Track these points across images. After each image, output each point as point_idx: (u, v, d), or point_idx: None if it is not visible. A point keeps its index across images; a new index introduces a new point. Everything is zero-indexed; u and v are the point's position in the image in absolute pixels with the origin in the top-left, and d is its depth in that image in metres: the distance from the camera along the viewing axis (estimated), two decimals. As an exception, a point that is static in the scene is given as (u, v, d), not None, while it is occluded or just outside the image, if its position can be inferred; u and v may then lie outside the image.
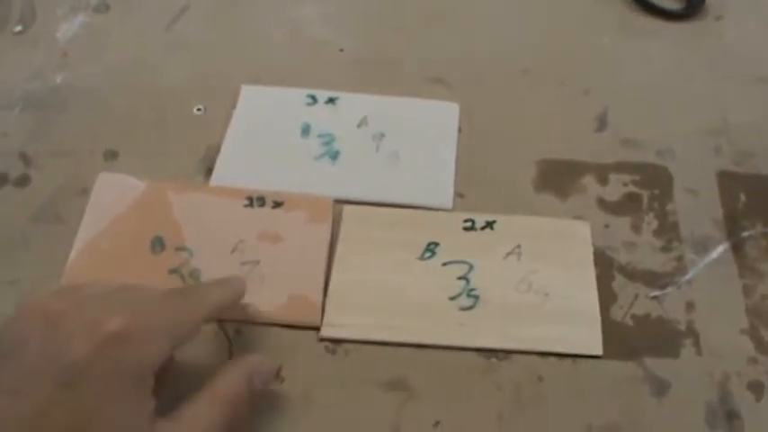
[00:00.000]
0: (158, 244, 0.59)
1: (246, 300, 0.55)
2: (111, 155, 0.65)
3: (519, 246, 0.60)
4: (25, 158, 0.65)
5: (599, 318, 0.57)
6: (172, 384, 0.47)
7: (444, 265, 0.59)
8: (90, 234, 0.59)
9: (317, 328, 0.56)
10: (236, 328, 0.56)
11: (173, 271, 0.58)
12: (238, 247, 0.59)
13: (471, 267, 0.59)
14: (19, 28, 0.76)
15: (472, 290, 0.58)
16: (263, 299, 0.57)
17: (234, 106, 0.69)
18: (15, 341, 0.42)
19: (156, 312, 0.46)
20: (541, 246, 0.60)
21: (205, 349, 0.55)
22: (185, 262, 0.58)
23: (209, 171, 0.64)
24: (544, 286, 0.58)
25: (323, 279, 0.58)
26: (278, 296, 0.57)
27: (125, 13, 0.77)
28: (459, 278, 0.58)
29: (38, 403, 0.40)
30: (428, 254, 0.59)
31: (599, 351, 0.55)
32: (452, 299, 0.57)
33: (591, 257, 0.60)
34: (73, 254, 0.58)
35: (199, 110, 0.69)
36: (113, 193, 0.62)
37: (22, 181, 0.63)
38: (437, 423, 0.52)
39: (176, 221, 0.60)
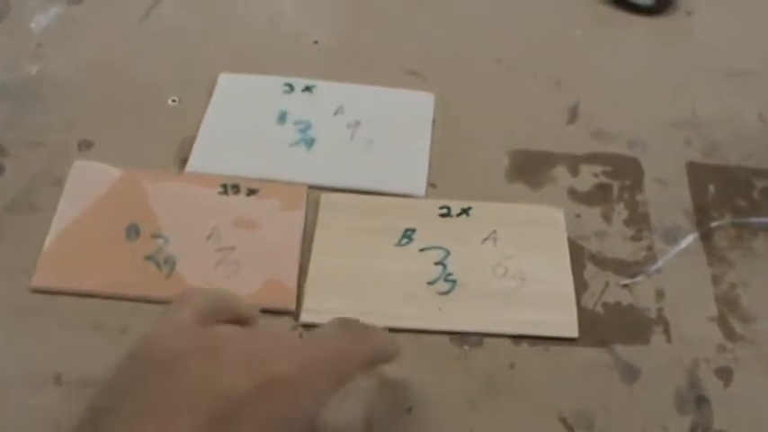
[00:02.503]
0: (133, 231, 0.59)
1: (222, 285, 0.56)
2: (85, 145, 0.65)
3: (495, 231, 0.61)
4: (0, 148, 0.65)
5: (574, 300, 0.58)
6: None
7: (421, 250, 0.60)
8: (65, 222, 0.59)
9: (292, 313, 0.56)
10: (211, 315, 0.56)
11: (148, 257, 0.58)
12: (213, 233, 0.60)
13: (448, 253, 0.59)
14: (-7, 19, 0.75)
15: (449, 275, 0.58)
16: (239, 284, 0.57)
17: (209, 96, 0.69)
18: (172, 355, 0.38)
19: (320, 355, 0.42)
20: (517, 232, 0.61)
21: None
22: (160, 249, 0.59)
23: (183, 162, 0.64)
24: (520, 271, 0.59)
25: (297, 264, 0.58)
26: (253, 281, 0.57)
27: (100, 3, 0.77)
28: (437, 263, 0.59)
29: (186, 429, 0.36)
30: (405, 240, 0.60)
31: (575, 333, 0.56)
32: (430, 284, 0.58)
33: (565, 242, 0.61)
34: (48, 241, 0.58)
35: (174, 101, 0.69)
36: (88, 181, 0.62)
37: (-3, 170, 0.64)
38: (410, 409, 0.53)
39: (151, 209, 0.61)
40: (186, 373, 0.37)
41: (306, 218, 0.61)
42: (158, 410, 0.36)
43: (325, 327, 0.45)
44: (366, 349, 0.44)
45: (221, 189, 0.62)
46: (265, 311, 0.56)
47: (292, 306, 0.57)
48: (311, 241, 0.60)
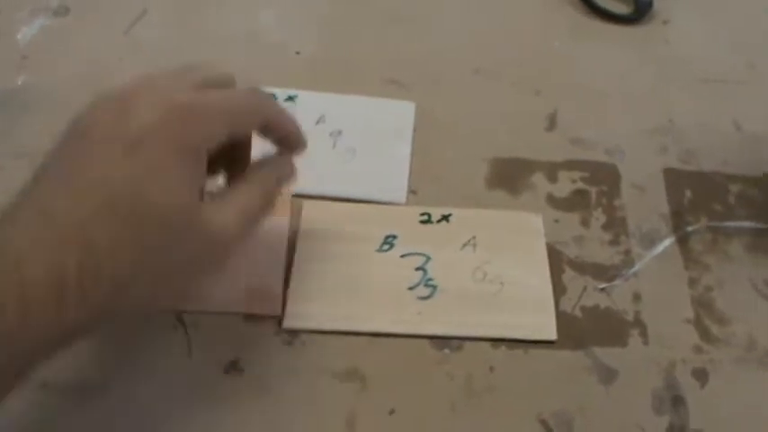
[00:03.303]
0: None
1: (209, 291, 0.57)
2: (70, 155, 0.66)
3: (474, 237, 0.62)
4: (-15, 159, 0.65)
5: (553, 304, 0.59)
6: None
7: (402, 256, 0.61)
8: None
9: (278, 318, 0.57)
10: (194, 321, 0.57)
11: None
12: (200, 241, 0.60)
13: (428, 258, 0.60)
14: (-22, 31, 0.76)
15: (430, 280, 0.59)
16: (225, 290, 0.58)
17: (193, 107, 0.69)
18: (89, 123, 0.45)
19: (222, 98, 0.48)
20: (496, 237, 0.62)
21: (164, 342, 0.56)
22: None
23: (168, 170, 0.65)
24: (499, 275, 0.60)
25: (283, 270, 0.59)
26: (239, 287, 0.58)
27: (85, 16, 0.78)
28: (417, 269, 0.60)
29: (104, 170, 0.42)
30: (386, 246, 0.61)
31: (553, 336, 0.57)
32: (411, 289, 0.59)
33: (544, 247, 0.62)
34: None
35: (158, 111, 0.69)
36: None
37: (-17, 181, 0.64)
38: (392, 411, 0.53)
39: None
40: (100, 129, 0.44)
41: (290, 225, 0.62)
42: (79, 162, 0.43)
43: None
44: (263, 111, 0.52)
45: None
46: (251, 317, 0.57)
47: (278, 311, 0.57)
48: (294, 248, 0.61)
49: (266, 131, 0.53)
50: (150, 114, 0.44)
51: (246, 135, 0.53)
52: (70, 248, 0.40)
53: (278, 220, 0.62)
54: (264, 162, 0.53)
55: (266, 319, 0.57)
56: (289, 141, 0.54)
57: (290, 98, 0.70)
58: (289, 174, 0.54)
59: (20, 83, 0.71)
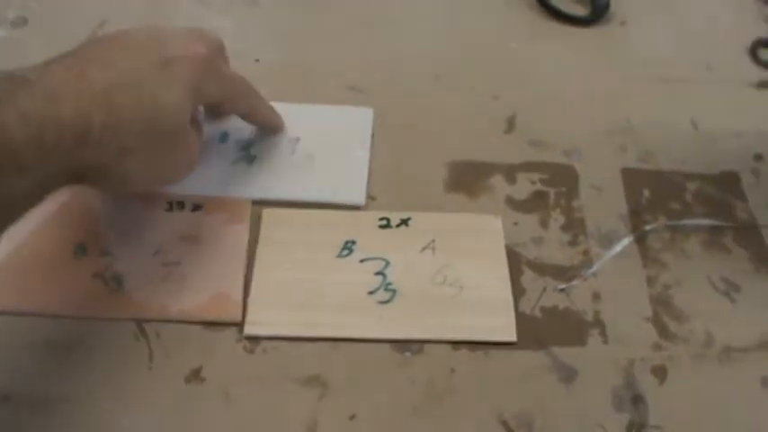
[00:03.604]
0: (81, 250, 0.60)
1: (169, 300, 0.58)
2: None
3: (433, 241, 0.62)
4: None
5: (512, 306, 0.59)
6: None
7: (362, 261, 0.61)
8: (13, 241, 0.60)
9: (239, 325, 0.57)
10: (155, 330, 0.57)
11: (96, 275, 0.59)
12: (160, 249, 0.60)
13: (388, 263, 0.61)
14: (-65, 43, 0.76)
15: (389, 284, 0.59)
16: (186, 298, 0.58)
17: (152, 116, 0.69)
18: (126, 34, 0.55)
19: (230, 73, 0.61)
20: (455, 240, 0.62)
21: (126, 352, 0.56)
22: (108, 266, 0.59)
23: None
24: (459, 278, 0.60)
25: (242, 277, 0.59)
26: (200, 295, 0.58)
27: (43, 26, 0.78)
28: (377, 273, 0.60)
29: (139, 64, 0.52)
30: (346, 251, 0.61)
31: (513, 337, 0.58)
32: (371, 293, 0.59)
33: (503, 249, 0.62)
34: (-4, 260, 0.59)
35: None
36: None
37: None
38: (353, 416, 0.54)
39: (99, 227, 0.61)
40: (136, 35, 0.55)
41: (249, 233, 0.62)
42: (118, 43, 0.54)
43: None
44: (251, 100, 0.65)
45: (167, 206, 0.63)
46: (211, 324, 0.57)
47: (238, 318, 0.57)
48: (254, 255, 0.61)
49: (247, 118, 0.66)
50: (181, 49, 0.54)
51: (223, 111, 0.65)
52: (98, 106, 0.48)
53: (236, 227, 0.62)
54: None
55: (227, 327, 0.57)
56: (267, 127, 0.68)
57: (249, 107, 0.70)
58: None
59: (-22, 95, 0.71)
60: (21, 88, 0.46)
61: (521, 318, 0.59)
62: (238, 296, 0.58)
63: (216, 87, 0.58)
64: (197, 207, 0.63)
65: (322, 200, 0.64)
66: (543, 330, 0.58)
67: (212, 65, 0.57)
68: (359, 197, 0.65)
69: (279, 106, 0.68)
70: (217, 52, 0.59)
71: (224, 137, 0.68)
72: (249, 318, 0.57)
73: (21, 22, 0.78)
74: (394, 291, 0.59)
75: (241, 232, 0.62)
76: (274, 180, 0.65)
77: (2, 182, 0.45)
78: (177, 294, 0.58)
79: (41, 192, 0.49)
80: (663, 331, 0.59)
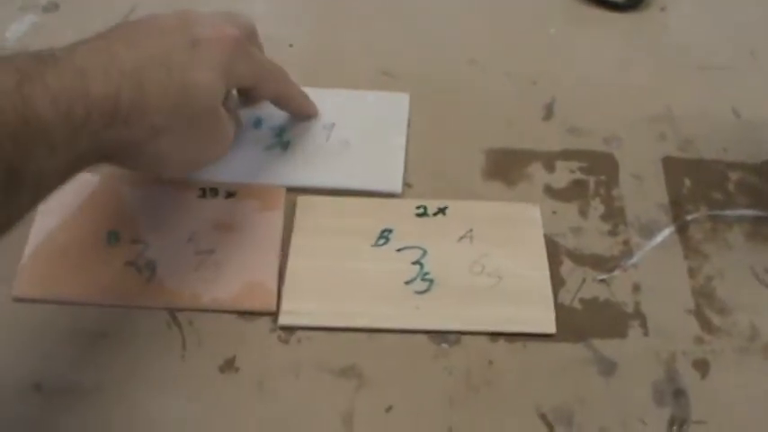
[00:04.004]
0: (113, 237, 0.59)
1: (202, 288, 0.57)
2: (62, 152, 0.65)
3: (471, 230, 0.61)
4: (-24, 158, 0.64)
5: (551, 297, 0.58)
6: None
7: (398, 250, 0.60)
8: (45, 230, 0.59)
9: (273, 314, 0.56)
10: (188, 319, 0.56)
11: (128, 263, 0.58)
12: (193, 237, 0.60)
13: (425, 252, 0.60)
14: (-33, 28, 0.75)
15: (426, 274, 0.59)
16: (219, 287, 0.57)
17: (185, 103, 0.69)
18: (156, 19, 0.55)
19: (261, 56, 0.61)
20: (493, 229, 0.61)
21: (159, 340, 0.55)
22: (140, 254, 0.59)
23: (161, 167, 0.64)
24: (497, 268, 0.59)
25: (277, 265, 0.59)
26: (233, 284, 0.58)
27: (74, 12, 0.77)
28: (414, 263, 0.59)
29: (168, 47, 0.52)
30: (382, 240, 0.60)
31: (552, 329, 0.57)
32: (407, 283, 0.58)
33: (542, 239, 0.61)
34: (27, 250, 0.58)
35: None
36: (67, 188, 0.61)
37: (-28, 179, 0.63)
38: (389, 408, 0.53)
39: (131, 214, 0.61)
40: (165, 20, 0.55)
41: (283, 220, 0.61)
42: (148, 27, 0.54)
43: None
44: (283, 85, 0.64)
45: (200, 192, 0.62)
46: (246, 314, 0.56)
47: (273, 307, 0.57)
48: (288, 244, 0.60)
49: (279, 104, 0.65)
50: (210, 31, 0.54)
51: (256, 96, 0.62)
52: (126, 83, 0.48)
53: (270, 214, 0.61)
54: None
55: (262, 316, 0.57)
56: (300, 114, 0.68)
57: (283, 93, 0.70)
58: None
59: (9, 80, 0.71)
60: (49, 66, 0.46)
61: (560, 309, 0.58)
62: (273, 285, 0.58)
63: (246, 70, 0.57)
64: (230, 194, 0.62)
65: (358, 187, 0.64)
66: (583, 322, 0.57)
67: (242, 47, 0.56)
68: (395, 185, 0.64)
69: (313, 91, 0.68)
70: (248, 35, 0.59)
71: (258, 123, 0.67)
72: (284, 307, 0.57)
73: (52, 7, 0.77)
74: (431, 281, 0.58)
75: (275, 219, 0.61)
76: (309, 167, 0.64)
77: (33, 160, 0.45)
78: (210, 283, 0.57)
79: (72, 169, 0.49)
80: (705, 324, 0.58)
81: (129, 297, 0.57)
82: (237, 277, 0.58)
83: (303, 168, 0.64)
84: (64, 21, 0.76)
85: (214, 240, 0.60)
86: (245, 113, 0.66)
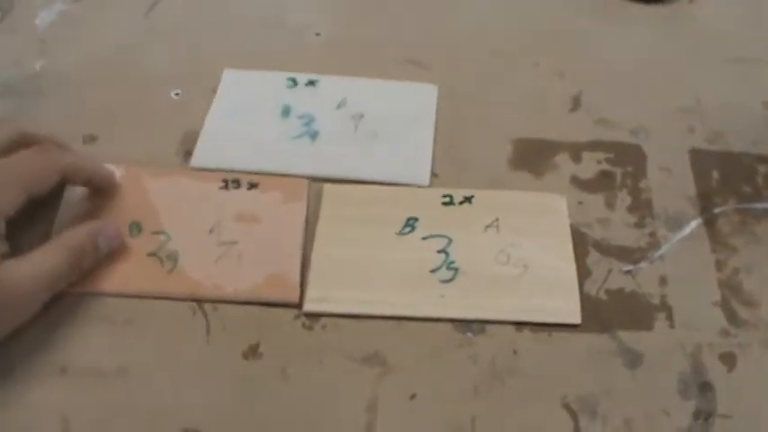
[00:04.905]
0: (136, 228, 0.59)
1: (224, 280, 0.57)
2: (89, 139, 0.66)
3: (497, 219, 0.61)
4: (5, 144, 0.65)
5: (577, 287, 0.58)
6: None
7: (424, 239, 0.60)
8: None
9: (296, 306, 0.56)
10: (213, 305, 0.56)
11: (151, 254, 0.58)
12: (215, 228, 0.60)
13: (450, 241, 0.59)
14: (-3, 15, 0.76)
15: (452, 262, 0.58)
16: (242, 278, 0.57)
17: (212, 90, 0.69)
18: None
19: (12, 167, 0.53)
20: (519, 219, 0.61)
21: (183, 326, 0.55)
22: (163, 245, 0.59)
23: (187, 154, 0.65)
24: (523, 258, 0.59)
25: (300, 257, 0.58)
26: (256, 275, 0.57)
27: (100, 1, 0.78)
28: (439, 251, 0.59)
29: None
30: (408, 228, 0.60)
31: (577, 319, 0.56)
32: (433, 272, 0.58)
33: (568, 229, 0.61)
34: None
35: (177, 94, 0.69)
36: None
37: (2, 166, 0.64)
38: (413, 396, 0.53)
39: (153, 205, 0.61)
40: None
41: (308, 209, 0.61)
42: None
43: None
44: (59, 165, 0.55)
45: (222, 184, 0.62)
46: (268, 305, 0.56)
47: (295, 299, 0.56)
48: (314, 232, 0.60)
49: (69, 179, 0.57)
50: None
51: (46, 191, 0.55)
52: None
53: (294, 206, 0.61)
54: (79, 227, 0.56)
55: (287, 305, 0.57)
56: (94, 182, 0.60)
57: (311, 83, 0.70)
58: (107, 231, 0.57)
59: (38, 68, 0.71)
60: None
61: (586, 300, 0.57)
62: (295, 277, 0.57)
63: (9, 196, 0.52)
64: (253, 185, 0.62)
65: (385, 179, 0.63)
66: (608, 313, 0.57)
67: None
68: (423, 178, 0.64)
69: (342, 80, 0.68)
70: None
71: (286, 111, 0.67)
72: (308, 294, 0.57)
73: (79, -5, 0.78)
74: (456, 269, 0.58)
75: (298, 211, 0.61)
76: (337, 157, 0.64)
77: None
78: (233, 274, 0.57)
79: None
80: (732, 317, 0.57)
81: (151, 288, 0.57)
82: (260, 269, 0.58)
83: (331, 159, 0.64)
84: (92, 9, 0.77)
85: (236, 232, 0.60)
86: (269, 103, 0.66)
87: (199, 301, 0.56)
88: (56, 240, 0.53)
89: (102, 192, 0.60)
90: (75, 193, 0.61)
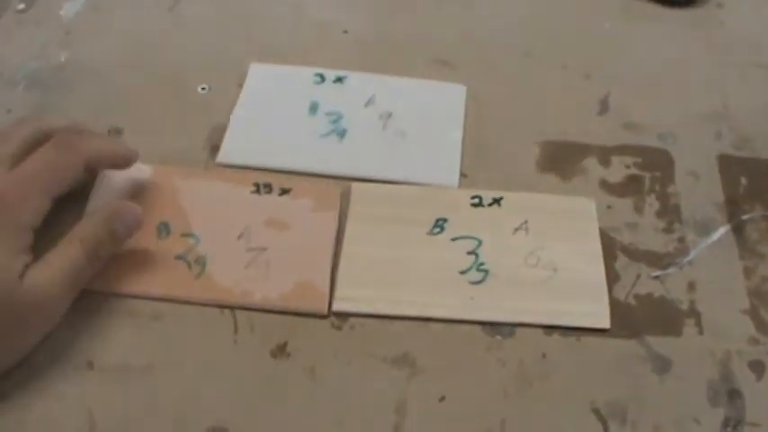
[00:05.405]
0: (164, 230, 0.59)
1: (252, 286, 0.56)
2: (115, 132, 0.65)
3: (526, 221, 0.61)
4: (30, 137, 0.65)
5: (606, 291, 0.57)
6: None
7: (453, 240, 0.59)
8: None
9: (325, 317, 0.56)
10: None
11: (178, 257, 0.57)
12: (245, 233, 0.59)
13: (480, 242, 0.59)
14: (22, 6, 0.76)
15: (481, 264, 0.58)
16: (270, 286, 0.57)
17: (239, 85, 0.69)
18: None
19: (32, 173, 0.51)
20: (548, 222, 0.61)
21: (211, 324, 0.55)
22: (191, 248, 0.58)
23: (213, 148, 0.64)
24: (552, 261, 0.59)
25: (329, 267, 0.58)
26: (284, 283, 0.57)
27: (126, -5, 0.78)
28: (469, 253, 0.59)
29: None
30: (437, 229, 0.60)
31: (606, 324, 0.56)
32: (462, 273, 0.58)
33: (597, 233, 0.60)
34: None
35: (203, 89, 0.69)
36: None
37: (27, 158, 0.63)
38: (443, 398, 0.53)
39: (183, 207, 0.60)
40: None
41: (338, 221, 0.61)
42: None
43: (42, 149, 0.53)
44: (82, 155, 0.53)
45: (254, 188, 0.62)
46: (296, 314, 0.56)
47: (324, 309, 0.56)
48: (342, 231, 0.60)
49: (93, 167, 0.56)
50: None
51: (71, 187, 0.54)
52: None
53: (325, 215, 0.61)
54: (91, 215, 0.55)
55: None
56: (119, 165, 0.58)
57: (339, 79, 0.70)
58: (124, 215, 0.55)
59: (63, 60, 0.71)
60: None
61: (614, 304, 0.57)
62: (325, 287, 0.57)
63: (34, 203, 0.51)
64: (284, 191, 0.62)
65: (414, 179, 0.63)
66: (637, 318, 0.57)
67: (7, 194, 0.50)
68: (452, 179, 0.63)
69: (371, 78, 0.68)
70: (17, 149, 0.53)
71: (313, 109, 0.67)
72: (338, 293, 0.56)
73: (105, -11, 0.78)
74: (486, 271, 0.58)
75: (330, 220, 0.60)
76: (365, 157, 0.64)
77: None
78: (261, 281, 0.57)
79: None
80: (760, 325, 0.57)
81: (178, 293, 0.56)
82: (289, 277, 0.57)
83: (359, 158, 0.64)
84: (116, 4, 0.77)
85: (266, 238, 0.59)
86: (297, 99, 0.66)
87: (227, 307, 0.56)
88: (69, 236, 0.52)
89: (127, 173, 0.59)
90: (104, 189, 0.60)
